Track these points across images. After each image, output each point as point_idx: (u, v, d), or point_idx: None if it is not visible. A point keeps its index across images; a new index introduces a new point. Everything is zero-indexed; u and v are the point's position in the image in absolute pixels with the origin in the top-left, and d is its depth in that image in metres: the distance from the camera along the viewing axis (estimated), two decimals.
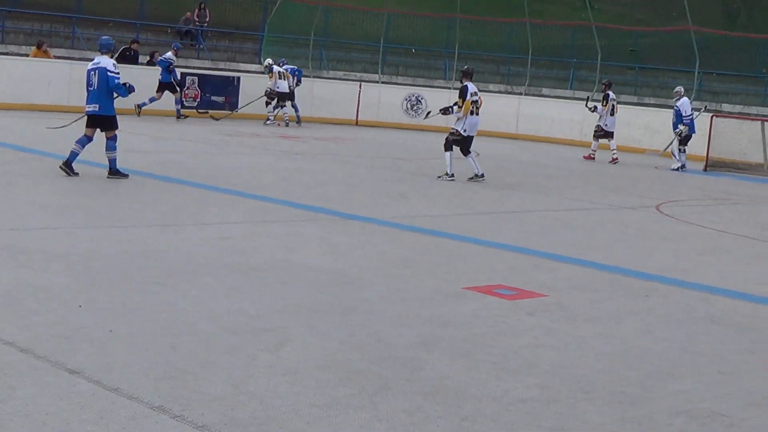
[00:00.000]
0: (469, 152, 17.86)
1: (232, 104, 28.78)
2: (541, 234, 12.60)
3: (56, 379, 5.50)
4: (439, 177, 17.65)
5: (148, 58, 28.82)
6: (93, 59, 14.73)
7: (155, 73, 26.29)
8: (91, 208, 11.90)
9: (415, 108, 31.07)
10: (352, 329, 7.08)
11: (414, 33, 37.47)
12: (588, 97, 26.98)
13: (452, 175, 17.56)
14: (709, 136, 24.87)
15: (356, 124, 31.07)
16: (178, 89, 26.85)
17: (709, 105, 30.67)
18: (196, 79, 28.52)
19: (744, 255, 12.29)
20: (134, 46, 28.68)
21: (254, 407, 5.31)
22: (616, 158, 24.94)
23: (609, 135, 25.33)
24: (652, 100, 32.68)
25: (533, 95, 32.70)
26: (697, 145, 24.58)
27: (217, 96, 28.74)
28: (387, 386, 5.84)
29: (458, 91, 18.08)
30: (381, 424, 5.22)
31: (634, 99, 33.22)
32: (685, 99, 24.14)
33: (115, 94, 14.37)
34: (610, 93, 25.36)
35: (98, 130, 14.34)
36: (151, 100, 25.97)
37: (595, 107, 25.32)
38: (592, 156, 25.24)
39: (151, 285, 7.97)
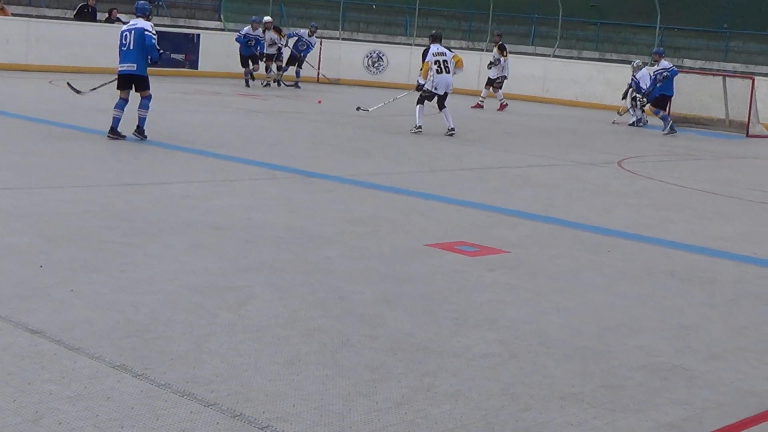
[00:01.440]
0: (444, 107, 18.82)
1: (192, 62, 28.61)
2: (503, 190, 12.64)
3: (18, 339, 5.47)
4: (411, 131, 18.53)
5: (106, 15, 28.49)
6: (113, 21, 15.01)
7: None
8: (53, 167, 11.79)
9: (376, 65, 30.95)
10: (314, 287, 7.08)
11: None
12: (491, 61, 26.98)
13: (419, 128, 18.45)
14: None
15: (317, 81, 30.93)
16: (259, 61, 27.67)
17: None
18: None
19: (704, 210, 12.38)
20: (92, 2, 28.31)
21: (216, 365, 5.31)
22: (506, 104, 26.23)
23: (501, 84, 26.39)
24: (614, 56, 32.76)
25: None
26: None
27: (177, 53, 28.50)
28: (349, 343, 5.86)
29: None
30: (343, 381, 5.23)
31: (596, 55, 33.30)
32: (644, 71, 24.30)
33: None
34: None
35: (131, 91, 14.59)
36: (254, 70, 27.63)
37: (498, 60, 25.99)
38: (480, 104, 26.23)
39: (112, 244, 7.93)
